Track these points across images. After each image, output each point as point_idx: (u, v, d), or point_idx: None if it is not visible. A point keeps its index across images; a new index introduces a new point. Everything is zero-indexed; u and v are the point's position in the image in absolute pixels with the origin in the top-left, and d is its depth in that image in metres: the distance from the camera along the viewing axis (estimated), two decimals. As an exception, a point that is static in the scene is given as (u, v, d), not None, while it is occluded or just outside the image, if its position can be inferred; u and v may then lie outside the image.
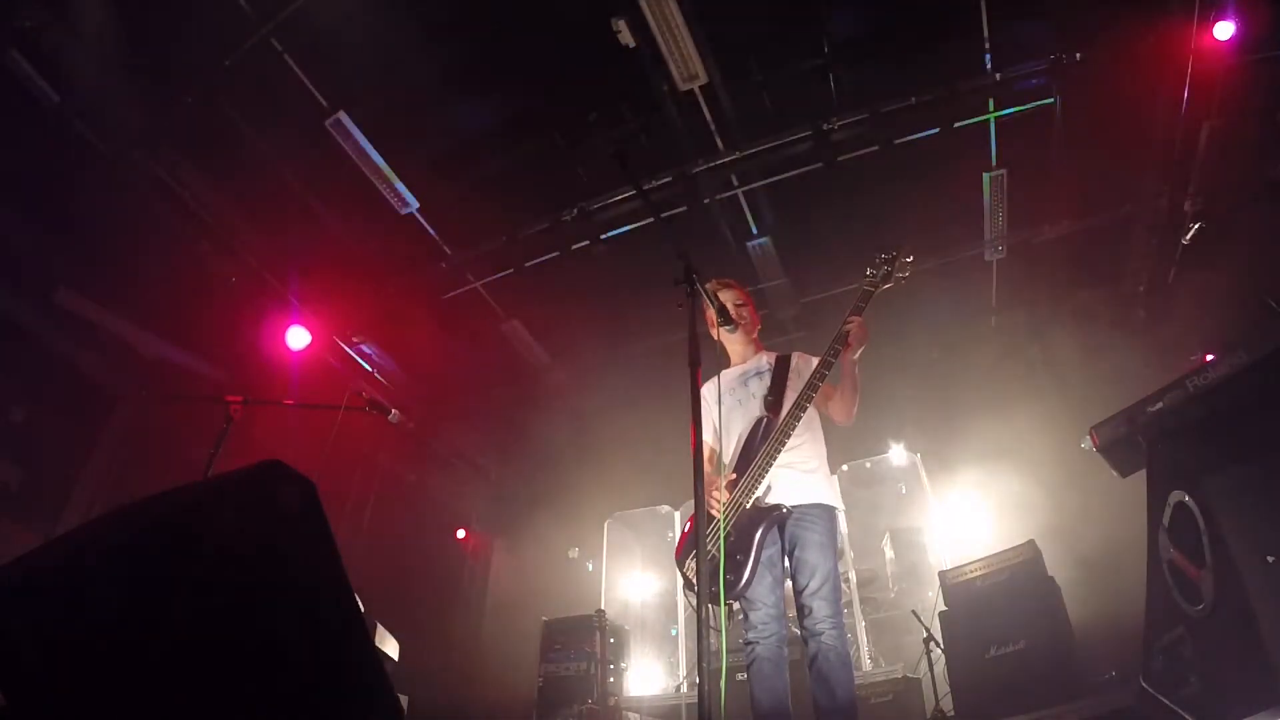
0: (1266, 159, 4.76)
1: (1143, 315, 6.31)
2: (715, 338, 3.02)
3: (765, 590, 2.55)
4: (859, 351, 2.72)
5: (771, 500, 2.56)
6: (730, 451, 2.76)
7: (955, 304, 6.66)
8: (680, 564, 2.72)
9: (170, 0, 4.07)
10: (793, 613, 2.63)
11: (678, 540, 2.80)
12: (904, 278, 2.83)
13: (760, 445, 2.62)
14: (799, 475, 2.66)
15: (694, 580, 2.59)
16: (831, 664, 2.39)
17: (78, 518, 4.76)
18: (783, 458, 2.57)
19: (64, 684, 1.05)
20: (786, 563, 2.64)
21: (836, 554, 2.60)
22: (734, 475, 2.63)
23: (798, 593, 2.54)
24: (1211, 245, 5.38)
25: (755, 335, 3.12)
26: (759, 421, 2.72)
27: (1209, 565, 2.00)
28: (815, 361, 2.88)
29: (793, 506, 2.57)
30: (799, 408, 2.60)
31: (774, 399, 2.75)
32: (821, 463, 2.79)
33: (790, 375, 2.84)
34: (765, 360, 2.96)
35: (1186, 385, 2.40)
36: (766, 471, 2.55)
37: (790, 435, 2.57)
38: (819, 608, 2.45)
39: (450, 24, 4.39)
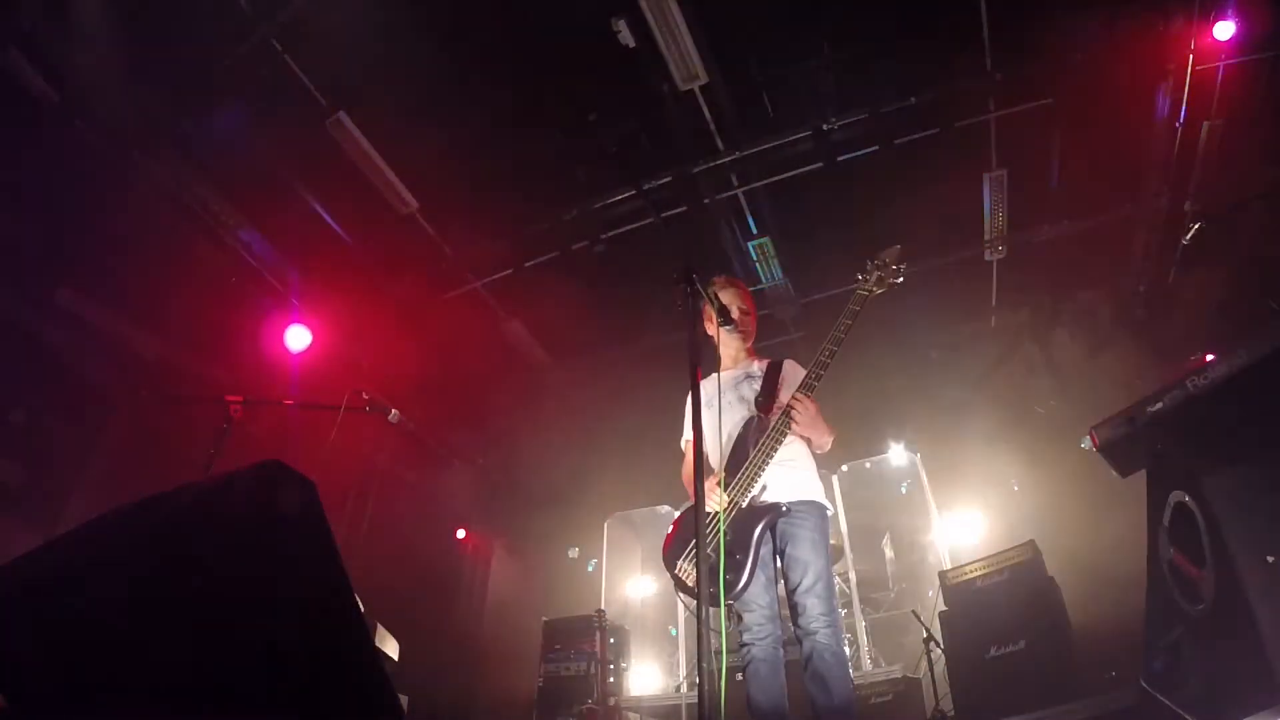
0: (1266, 159, 4.76)
1: (1143, 315, 6.30)
2: (713, 335, 3.02)
3: (759, 591, 2.55)
4: (807, 427, 2.61)
5: (767, 499, 2.57)
6: (722, 451, 2.76)
7: (955, 304, 6.66)
8: (669, 564, 2.67)
9: (170, 0, 4.07)
10: (787, 613, 2.62)
11: (664, 540, 2.76)
12: (897, 283, 2.76)
13: (753, 445, 2.62)
14: (792, 474, 2.67)
15: (685, 581, 2.59)
16: (827, 663, 2.39)
17: (78, 518, 4.74)
18: (777, 457, 2.57)
19: (64, 684, 1.05)
20: (778, 563, 2.64)
21: (829, 552, 2.60)
22: (726, 475, 2.63)
23: (790, 591, 2.53)
24: (1211, 245, 5.38)
25: (750, 342, 3.13)
26: (750, 421, 2.73)
27: (1209, 565, 2.00)
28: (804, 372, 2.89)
29: (786, 504, 2.57)
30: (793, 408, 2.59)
31: (765, 400, 2.75)
32: (812, 462, 2.81)
33: (782, 380, 2.84)
34: (757, 366, 2.98)
35: (1186, 385, 2.39)
36: (762, 470, 2.55)
37: (785, 435, 2.58)
38: (812, 606, 2.45)
39: (450, 24, 4.39)
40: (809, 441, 2.78)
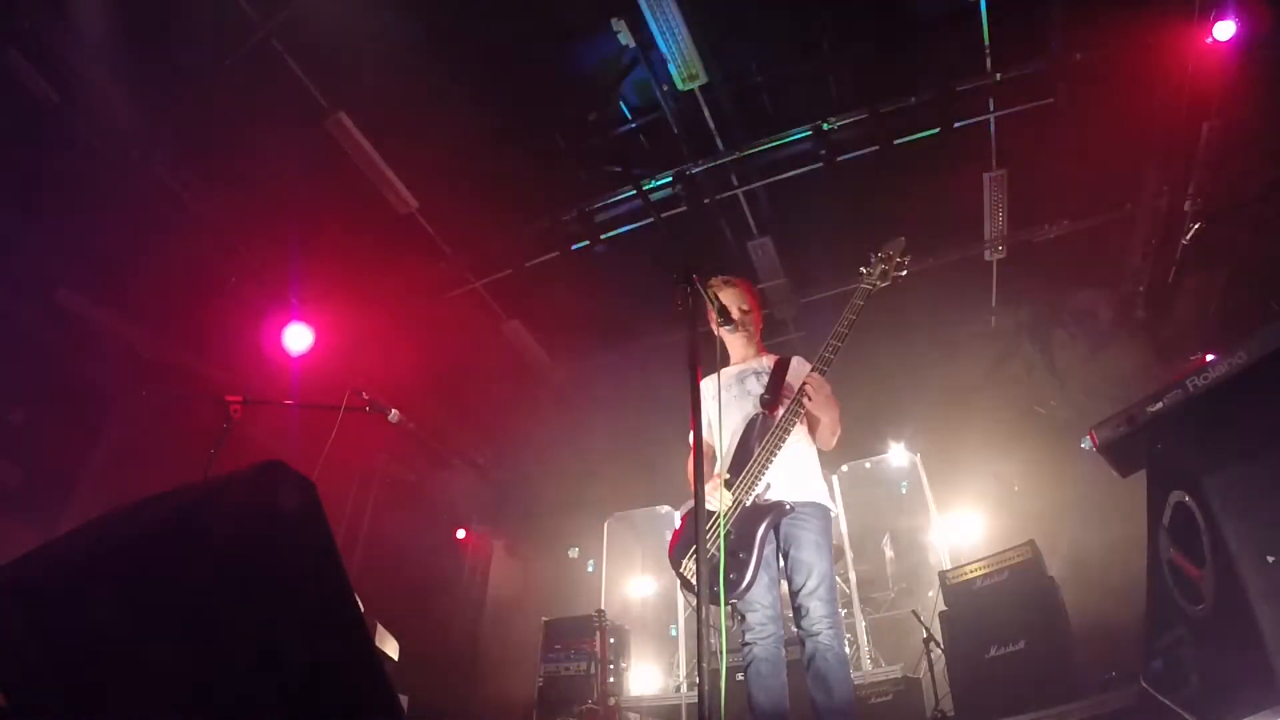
0: (1266, 159, 4.76)
1: (1143, 315, 6.30)
2: (716, 335, 3.02)
3: (762, 591, 2.54)
4: (820, 406, 2.63)
5: (771, 498, 2.56)
6: (726, 449, 2.76)
7: (955, 304, 6.65)
8: (675, 563, 2.66)
9: (170, 0, 4.07)
10: (789, 613, 2.62)
11: (671, 538, 2.76)
12: (901, 276, 2.77)
13: (757, 442, 2.61)
14: (797, 474, 2.66)
15: (690, 580, 2.58)
16: (829, 663, 2.39)
17: (78, 518, 4.74)
18: (780, 456, 2.56)
19: (64, 684, 1.05)
20: (781, 563, 2.63)
21: (832, 554, 2.59)
22: (729, 474, 2.62)
23: (794, 593, 2.53)
24: (1211, 245, 5.38)
25: (758, 338, 3.12)
26: (754, 419, 2.71)
27: (1209, 565, 2.00)
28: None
29: (790, 503, 2.56)
30: (799, 404, 2.59)
31: (770, 397, 2.74)
32: (817, 463, 2.80)
33: (789, 376, 2.83)
34: (765, 361, 2.95)
35: (1186, 385, 2.39)
36: (767, 468, 2.54)
37: (789, 432, 2.57)
38: (815, 608, 2.45)
39: (450, 24, 4.39)
40: (814, 437, 2.78)
